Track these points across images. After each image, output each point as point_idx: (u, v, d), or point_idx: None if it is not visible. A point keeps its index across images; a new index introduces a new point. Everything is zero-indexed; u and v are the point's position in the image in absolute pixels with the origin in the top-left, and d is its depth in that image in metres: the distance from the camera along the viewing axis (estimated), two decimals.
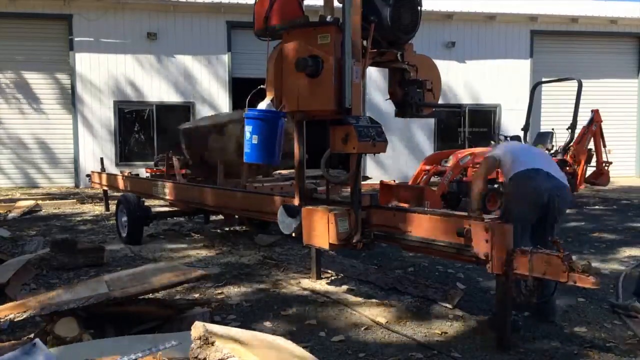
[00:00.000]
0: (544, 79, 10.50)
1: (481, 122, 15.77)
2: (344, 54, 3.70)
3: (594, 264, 4.64)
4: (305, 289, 4.55)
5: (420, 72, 4.56)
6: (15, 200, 9.99)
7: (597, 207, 9.95)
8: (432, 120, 15.26)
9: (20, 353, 2.16)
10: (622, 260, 5.65)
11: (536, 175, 3.72)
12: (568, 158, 9.95)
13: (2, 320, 3.08)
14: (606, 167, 10.68)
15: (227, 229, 7.34)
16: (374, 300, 4.26)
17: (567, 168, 9.79)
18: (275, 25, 4.15)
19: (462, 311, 3.98)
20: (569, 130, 10.20)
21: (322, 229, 3.88)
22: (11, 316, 2.99)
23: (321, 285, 4.67)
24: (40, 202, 9.91)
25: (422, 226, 3.67)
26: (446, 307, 4.05)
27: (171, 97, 14.00)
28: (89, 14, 13.53)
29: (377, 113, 13.99)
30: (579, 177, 10.01)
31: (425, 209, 4.30)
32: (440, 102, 5.16)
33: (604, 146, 10.50)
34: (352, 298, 4.31)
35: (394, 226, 3.87)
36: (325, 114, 3.94)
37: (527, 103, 11.54)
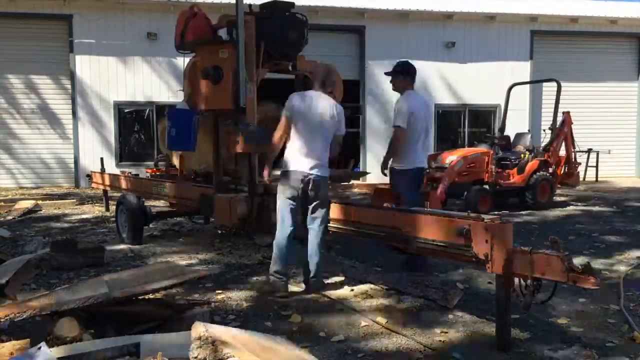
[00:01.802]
0: (521, 81, 10.50)
1: (481, 122, 15.79)
2: (239, 66, 4.81)
3: (594, 265, 4.65)
4: (305, 289, 4.55)
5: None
6: (15, 201, 9.98)
7: (596, 207, 9.95)
8: (432, 121, 15.26)
9: (24, 357, 2.17)
10: (623, 260, 5.65)
11: None
12: (549, 158, 10.00)
13: (2, 320, 3.08)
14: (576, 168, 10.91)
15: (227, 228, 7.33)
16: (374, 300, 4.26)
17: (549, 169, 9.89)
18: (189, 41, 5.38)
19: (462, 311, 3.98)
20: (549, 131, 10.38)
21: (226, 211, 5.07)
22: (11, 316, 2.99)
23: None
24: (40, 202, 9.91)
25: (422, 226, 3.68)
26: (446, 307, 4.05)
27: (171, 97, 14.00)
28: (89, 14, 13.54)
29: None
30: (557, 177, 10.14)
31: (425, 209, 4.33)
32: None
33: (574, 148, 10.71)
34: (352, 298, 4.31)
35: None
36: (226, 112, 5.11)
37: (528, 103, 11.57)
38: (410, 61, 5.45)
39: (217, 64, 4.92)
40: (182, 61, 5.82)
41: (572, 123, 10.61)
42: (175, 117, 5.53)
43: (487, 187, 9.11)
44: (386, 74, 5.41)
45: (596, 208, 9.79)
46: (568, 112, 10.63)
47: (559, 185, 10.64)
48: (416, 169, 5.19)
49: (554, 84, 10.62)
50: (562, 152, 10.61)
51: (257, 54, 5.02)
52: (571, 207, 9.84)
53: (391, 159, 5.29)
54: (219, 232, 7.27)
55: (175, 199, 6.76)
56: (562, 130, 10.41)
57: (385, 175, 5.44)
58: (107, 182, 8.86)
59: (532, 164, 9.61)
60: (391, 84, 5.36)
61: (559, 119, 10.51)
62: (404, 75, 5.27)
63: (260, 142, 4.78)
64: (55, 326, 2.93)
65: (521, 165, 9.64)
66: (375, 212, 4.26)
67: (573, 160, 10.74)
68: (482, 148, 9.84)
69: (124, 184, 8.02)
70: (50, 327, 2.95)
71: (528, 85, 14.58)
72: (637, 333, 3.56)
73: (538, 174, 9.56)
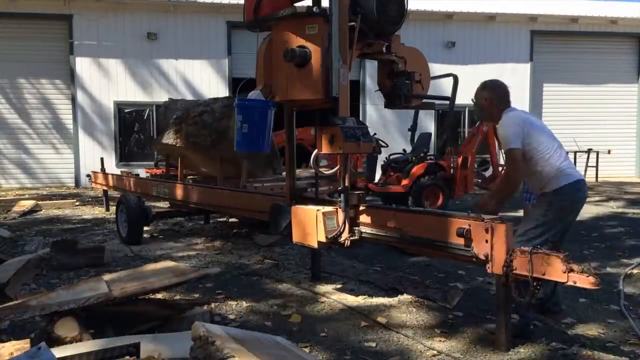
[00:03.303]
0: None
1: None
2: (331, 45, 3.75)
3: (594, 265, 4.65)
4: (305, 289, 4.55)
5: (408, 64, 4.64)
6: (15, 201, 9.98)
7: (597, 207, 9.94)
8: (432, 121, 15.28)
9: (24, 357, 2.16)
10: (623, 260, 5.65)
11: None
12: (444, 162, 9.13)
13: (2, 320, 3.08)
14: (502, 171, 9.78)
15: (230, 227, 7.34)
16: (374, 300, 4.26)
17: (445, 172, 8.98)
18: (264, 16, 4.20)
19: (462, 311, 3.98)
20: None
21: (311, 228, 3.96)
22: (11, 316, 2.99)
23: (321, 285, 4.66)
24: (40, 202, 9.90)
25: (422, 226, 3.68)
26: (446, 307, 4.05)
27: (171, 97, 14.00)
28: (89, 14, 13.55)
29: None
30: (457, 181, 8.94)
31: (425, 209, 4.32)
32: (439, 101, 5.19)
33: (500, 148, 9.85)
34: (352, 298, 4.31)
35: (388, 225, 3.87)
36: (313, 103, 4.01)
37: (528, 103, 11.40)
38: None
39: (302, 43, 3.88)
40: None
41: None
42: (249, 110, 4.26)
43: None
44: None
45: (597, 208, 9.79)
46: None
47: (473, 191, 9.54)
48: None
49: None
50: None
51: (351, 32, 3.99)
52: None
53: None
54: (219, 232, 7.27)
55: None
56: (481, 128, 9.31)
57: None
58: (107, 182, 8.86)
59: (417, 168, 8.76)
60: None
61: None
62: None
63: (357, 140, 3.86)
64: (55, 326, 2.92)
65: (407, 170, 8.88)
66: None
67: (497, 162, 9.51)
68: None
69: (127, 184, 8.02)
70: (50, 327, 2.95)
71: (528, 86, 14.61)
72: (638, 333, 3.56)
73: (424, 178, 8.69)
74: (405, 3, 4.31)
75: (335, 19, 3.77)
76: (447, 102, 4.93)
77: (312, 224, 3.94)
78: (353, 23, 3.96)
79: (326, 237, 3.88)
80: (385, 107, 4.65)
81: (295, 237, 4.15)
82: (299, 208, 4.15)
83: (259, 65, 4.31)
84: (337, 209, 3.97)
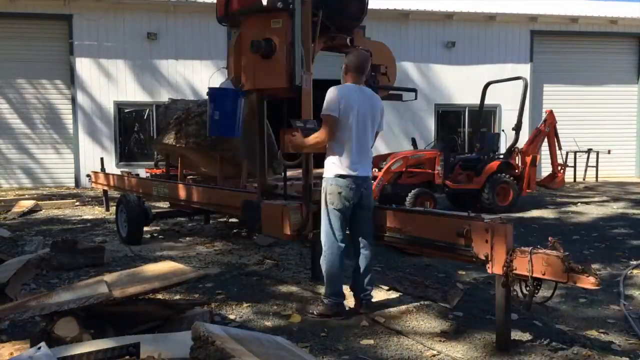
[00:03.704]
0: (496, 79, 10.26)
1: (481, 122, 15.78)
2: (295, 37, 4.11)
3: (594, 265, 4.65)
4: (305, 289, 4.56)
5: (374, 57, 4.86)
6: (15, 201, 9.98)
7: (597, 207, 9.94)
8: (432, 121, 15.29)
9: (24, 357, 2.16)
10: (622, 260, 5.65)
11: None
12: (513, 161, 9.59)
13: (2, 320, 3.08)
14: (561, 171, 10.36)
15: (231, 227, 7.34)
16: (373, 300, 4.25)
17: (516, 170, 9.49)
18: (234, 11, 4.50)
19: (462, 311, 3.98)
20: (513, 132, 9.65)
21: (278, 222, 4.28)
22: (11, 316, 2.99)
23: (321, 285, 4.65)
24: (40, 202, 9.91)
25: (422, 226, 3.68)
26: (446, 307, 4.05)
27: (171, 97, 14.00)
28: (89, 14, 13.55)
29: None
30: (525, 179, 9.49)
31: (425, 209, 4.33)
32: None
33: (560, 148, 10.18)
34: (352, 298, 4.30)
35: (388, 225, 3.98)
36: (278, 92, 4.38)
37: (528, 103, 11.40)
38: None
39: (268, 35, 4.19)
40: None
41: (555, 122, 10.08)
42: (220, 98, 4.74)
43: (429, 189, 8.76)
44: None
45: (599, 208, 9.79)
46: (551, 111, 10.20)
47: (536, 189, 10.07)
48: None
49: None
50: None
51: (313, 25, 4.30)
52: (571, 208, 9.84)
53: None
54: (219, 232, 7.27)
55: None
56: (543, 129, 9.90)
57: None
58: (107, 182, 8.86)
59: (489, 166, 9.23)
60: None
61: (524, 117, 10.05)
62: None
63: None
64: (55, 326, 2.92)
65: (478, 168, 9.32)
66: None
67: (557, 162, 10.23)
68: (432, 150, 9.46)
69: (125, 184, 8.02)
70: (50, 327, 2.95)
71: (528, 86, 14.57)
72: (638, 333, 3.56)
73: (496, 176, 9.16)
74: (366, 1, 4.71)
75: (298, 14, 4.12)
76: (413, 92, 5.38)
77: (278, 218, 4.26)
78: (316, 18, 4.23)
79: (291, 230, 4.17)
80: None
81: (265, 230, 4.55)
82: (267, 204, 4.50)
83: (229, 56, 4.63)
84: (302, 204, 4.19)
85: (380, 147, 14.48)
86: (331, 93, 3.80)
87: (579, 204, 10.28)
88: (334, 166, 3.88)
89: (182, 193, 6.46)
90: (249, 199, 4.91)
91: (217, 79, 6.31)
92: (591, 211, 9.31)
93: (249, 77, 4.40)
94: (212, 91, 4.78)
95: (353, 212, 3.92)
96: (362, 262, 3.99)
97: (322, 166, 4.05)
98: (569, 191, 12.31)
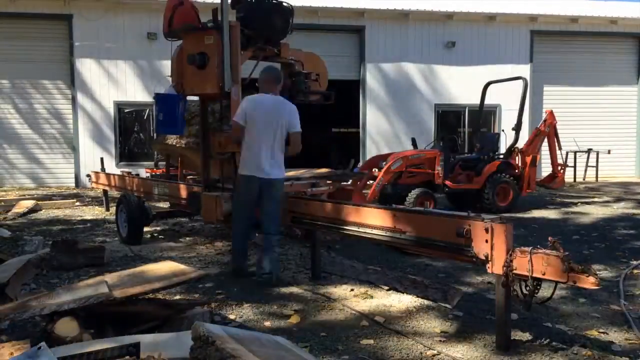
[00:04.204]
0: (496, 79, 10.28)
1: (481, 122, 15.79)
2: (224, 51, 5.00)
3: (594, 265, 4.65)
4: (305, 289, 4.56)
5: (306, 65, 6.03)
6: (15, 201, 9.98)
7: (597, 207, 9.94)
8: (431, 121, 15.29)
9: (24, 357, 2.16)
10: (622, 260, 5.65)
11: None
12: (513, 161, 9.60)
13: (2, 320, 3.08)
14: (561, 171, 10.36)
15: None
16: (374, 300, 4.26)
17: (516, 170, 9.49)
18: (176, 29, 5.55)
19: (462, 311, 3.98)
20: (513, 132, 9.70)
21: (213, 209, 5.24)
22: (11, 316, 2.99)
23: (321, 285, 4.67)
24: (40, 202, 9.91)
25: (422, 226, 3.68)
26: (446, 307, 4.05)
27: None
28: (89, 14, 13.55)
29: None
30: (525, 179, 9.53)
31: (425, 209, 4.34)
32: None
33: (560, 148, 10.20)
34: (352, 298, 4.31)
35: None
36: (212, 96, 5.43)
37: (528, 103, 11.39)
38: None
39: (202, 50, 5.07)
40: (170, 48, 5.88)
41: (555, 122, 10.07)
42: (163, 101, 5.66)
43: (429, 189, 8.76)
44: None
45: (597, 207, 9.79)
46: (551, 111, 10.17)
47: (536, 189, 10.12)
48: None
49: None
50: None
51: (243, 39, 5.25)
52: (572, 208, 9.84)
53: None
54: (219, 232, 7.27)
55: (170, 197, 7.02)
56: (542, 129, 9.87)
57: None
58: (107, 182, 8.86)
59: (489, 166, 9.21)
60: None
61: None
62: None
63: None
64: (55, 326, 2.93)
65: (478, 168, 9.30)
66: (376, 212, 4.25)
67: (557, 162, 10.21)
68: (432, 150, 9.47)
69: (124, 184, 8.02)
70: (50, 327, 2.95)
71: (529, 86, 14.55)
72: (637, 333, 3.57)
73: (496, 176, 9.14)
74: (290, 18, 5.68)
75: (226, 32, 4.99)
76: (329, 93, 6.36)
77: (213, 205, 5.21)
78: (247, 31, 5.23)
79: (223, 216, 5.16)
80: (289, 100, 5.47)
81: (204, 216, 5.52)
82: (206, 194, 5.45)
83: (172, 66, 5.67)
84: (232, 195, 5.07)
85: (381, 147, 14.51)
86: (241, 103, 4.76)
87: (579, 203, 10.28)
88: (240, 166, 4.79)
89: (184, 193, 6.47)
90: (195, 191, 5.96)
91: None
92: (591, 211, 9.31)
93: (188, 84, 5.37)
94: (157, 96, 5.71)
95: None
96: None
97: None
98: (569, 191, 12.31)
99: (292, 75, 5.86)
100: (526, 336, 3.47)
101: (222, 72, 5.00)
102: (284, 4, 5.73)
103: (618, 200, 10.87)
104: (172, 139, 6.91)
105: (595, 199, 10.99)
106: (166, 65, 13.82)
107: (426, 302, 4.18)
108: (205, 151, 5.71)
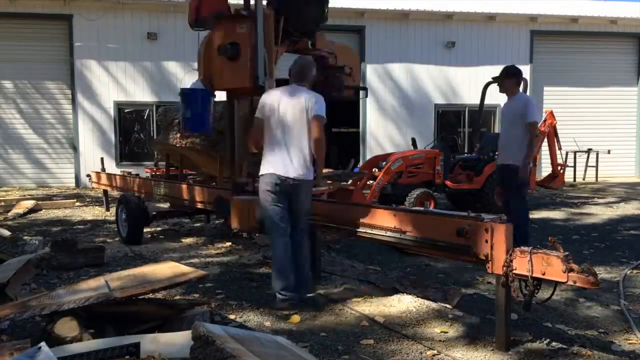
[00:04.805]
0: (495, 78, 10.21)
1: (481, 122, 15.81)
2: (258, 41, 4.52)
3: (594, 265, 4.65)
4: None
5: (339, 58, 5.47)
6: (15, 200, 9.98)
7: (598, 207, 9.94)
8: (431, 121, 15.29)
9: (24, 357, 2.16)
10: (622, 260, 5.65)
11: None
12: None
13: (2, 320, 3.08)
14: (561, 170, 10.34)
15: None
16: (374, 300, 4.26)
17: None
18: (204, 17, 4.99)
19: (462, 311, 3.98)
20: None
21: (245, 215, 4.68)
22: (11, 316, 2.99)
23: (321, 285, 4.66)
24: (40, 202, 9.91)
25: (422, 226, 3.68)
26: (446, 307, 4.05)
27: (171, 97, 13.99)
28: (89, 14, 13.54)
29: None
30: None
31: (425, 209, 4.34)
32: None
33: (560, 148, 10.18)
34: (351, 298, 4.30)
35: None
36: (245, 91, 4.85)
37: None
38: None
39: (234, 40, 4.56)
40: (197, 38, 5.35)
41: (555, 122, 10.04)
42: (191, 97, 5.01)
43: (430, 189, 8.70)
44: (494, 79, 6.01)
45: (597, 207, 9.78)
46: (551, 111, 10.13)
47: (536, 189, 10.09)
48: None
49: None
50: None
51: (276, 30, 4.70)
52: (572, 208, 9.83)
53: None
54: (219, 232, 7.27)
55: (188, 201, 6.37)
56: (544, 130, 9.82)
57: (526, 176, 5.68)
58: (107, 182, 8.86)
59: (489, 166, 9.05)
60: (499, 87, 6.01)
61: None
62: (516, 77, 5.80)
63: None
64: (55, 326, 2.93)
65: (478, 168, 9.26)
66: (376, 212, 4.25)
67: (557, 162, 10.20)
68: (432, 150, 9.42)
69: (125, 184, 8.01)
70: (50, 327, 2.95)
71: (529, 86, 14.54)
72: (637, 333, 3.57)
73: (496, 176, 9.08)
74: (326, 6, 5.12)
75: (260, 20, 4.51)
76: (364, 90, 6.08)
77: (245, 212, 4.66)
78: (279, 24, 4.67)
79: (257, 222, 4.55)
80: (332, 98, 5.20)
81: (233, 223, 4.86)
82: (237, 199, 4.81)
83: (200, 58, 5.05)
84: None
85: (381, 147, 14.50)
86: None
87: (579, 203, 10.28)
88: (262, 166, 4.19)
89: (184, 193, 6.46)
90: (221, 195, 5.30)
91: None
92: (591, 211, 9.31)
93: (218, 78, 4.83)
94: (183, 91, 5.08)
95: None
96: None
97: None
98: (569, 191, 12.30)
99: (325, 69, 5.38)
100: (526, 336, 3.47)
101: (255, 63, 4.51)
102: None
103: (619, 200, 10.87)
104: (174, 139, 6.88)
105: (596, 199, 10.99)
106: (166, 66, 13.91)
107: (426, 302, 4.18)
108: (233, 152, 5.21)
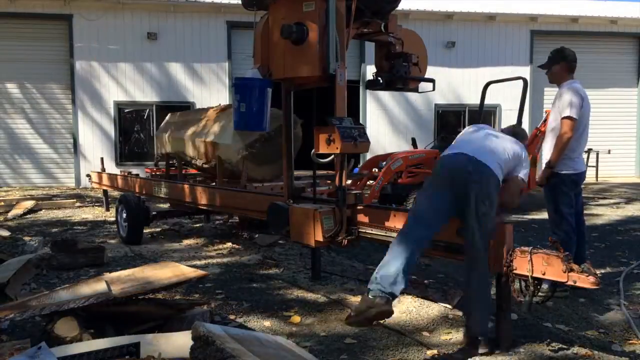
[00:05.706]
0: (496, 79, 10.19)
1: (481, 122, 15.80)
2: (329, 21, 3.73)
3: (594, 264, 4.65)
4: (305, 289, 4.55)
5: (406, 45, 4.62)
6: (15, 200, 9.98)
7: (597, 207, 9.94)
8: (431, 121, 15.29)
9: (24, 357, 2.16)
10: (622, 260, 5.65)
11: (453, 156, 3.54)
12: None
13: (2, 320, 3.08)
14: None
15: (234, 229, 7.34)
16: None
17: None
18: None
19: (462, 311, 3.97)
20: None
21: (309, 227, 3.93)
22: (11, 316, 2.99)
23: (321, 285, 4.66)
24: (40, 202, 9.90)
25: None
26: (446, 307, 4.05)
27: (171, 97, 14.01)
28: (89, 14, 13.54)
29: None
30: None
31: None
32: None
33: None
34: (352, 298, 4.30)
35: (385, 225, 3.91)
36: (311, 81, 4.00)
37: (528, 103, 11.34)
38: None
39: (300, 20, 3.82)
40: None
41: None
42: (247, 88, 4.16)
43: None
44: (540, 67, 4.97)
45: (597, 207, 9.78)
46: (550, 111, 10.27)
47: (536, 189, 10.22)
48: (583, 173, 4.70)
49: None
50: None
51: (347, 8, 3.94)
52: None
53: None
54: (219, 232, 7.27)
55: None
56: (543, 130, 9.99)
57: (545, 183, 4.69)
58: (108, 182, 8.85)
59: None
60: (547, 75, 5.04)
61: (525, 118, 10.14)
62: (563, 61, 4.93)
63: (354, 141, 3.73)
64: (55, 326, 2.93)
65: None
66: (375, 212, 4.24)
67: None
68: (432, 150, 9.38)
69: (125, 184, 8.00)
70: (50, 327, 2.95)
71: (528, 86, 14.54)
72: (637, 333, 3.56)
73: None
74: None
75: None
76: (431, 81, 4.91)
77: (309, 223, 3.92)
78: (350, 1, 3.86)
79: (323, 237, 3.86)
80: (383, 89, 4.66)
81: (294, 236, 4.14)
82: (296, 207, 4.12)
83: (256, 43, 4.25)
84: (334, 208, 3.92)
85: (381, 147, 14.50)
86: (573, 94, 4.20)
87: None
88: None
89: (184, 193, 6.45)
90: (276, 201, 4.44)
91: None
92: (591, 211, 9.31)
93: (278, 65, 4.02)
94: (237, 81, 4.29)
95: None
96: None
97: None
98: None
99: (390, 57, 4.61)
100: (526, 336, 3.47)
101: (326, 48, 3.75)
102: None
103: (619, 200, 10.87)
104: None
105: (596, 199, 10.99)
106: (166, 66, 13.91)
107: (426, 302, 4.18)
108: (289, 154, 4.49)
